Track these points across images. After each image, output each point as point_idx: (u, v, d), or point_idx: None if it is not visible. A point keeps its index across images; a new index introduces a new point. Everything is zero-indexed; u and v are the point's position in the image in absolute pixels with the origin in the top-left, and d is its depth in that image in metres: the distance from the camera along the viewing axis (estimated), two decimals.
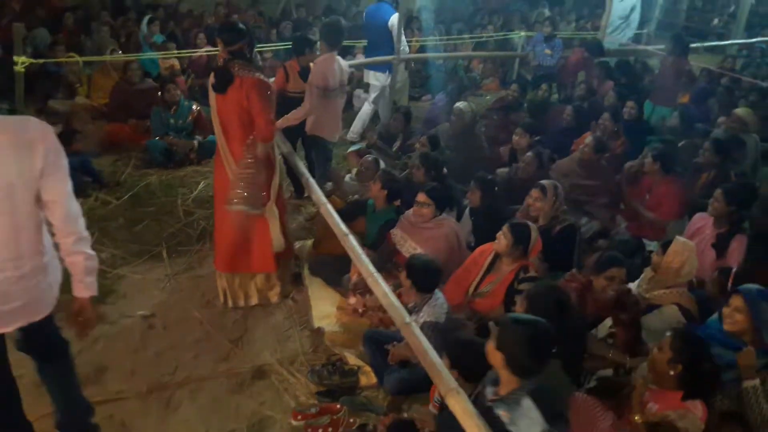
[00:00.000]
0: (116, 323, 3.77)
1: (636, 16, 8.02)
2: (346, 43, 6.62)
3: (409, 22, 10.42)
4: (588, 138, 5.25)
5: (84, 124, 6.16)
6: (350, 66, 5.70)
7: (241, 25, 3.67)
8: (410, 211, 4.15)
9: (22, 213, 2.17)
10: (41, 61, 6.28)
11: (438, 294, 3.32)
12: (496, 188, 4.55)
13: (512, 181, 5.03)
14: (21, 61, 5.31)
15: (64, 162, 2.21)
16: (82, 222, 2.33)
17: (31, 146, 2.10)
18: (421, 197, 4.04)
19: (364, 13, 7.18)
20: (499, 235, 3.59)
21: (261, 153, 3.64)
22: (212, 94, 3.66)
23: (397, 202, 4.36)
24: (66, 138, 5.42)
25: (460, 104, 5.82)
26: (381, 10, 6.83)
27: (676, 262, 3.40)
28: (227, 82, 3.54)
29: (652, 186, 4.87)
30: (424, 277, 3.28)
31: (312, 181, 4.20)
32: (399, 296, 3.10)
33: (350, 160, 5.86)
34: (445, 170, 4.82)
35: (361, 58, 8.03)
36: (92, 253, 2.37)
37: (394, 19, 6.67)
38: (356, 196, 4.95)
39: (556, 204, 4.13)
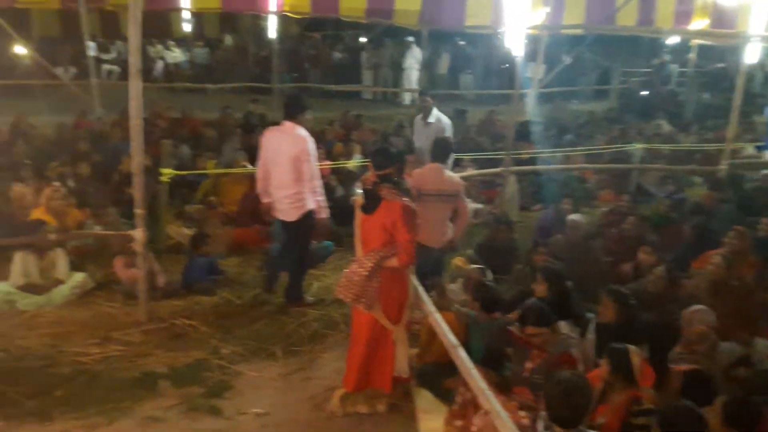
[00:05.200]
0: (232, 419, 3.89)
1: None
2: (456, 156, 6.83)
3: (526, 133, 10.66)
4: (715, 257, 4.94)
5: (214, 229, 6.71)
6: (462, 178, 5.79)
7: (392, 150, 3.89)
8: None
9: (290, 169, 4.86)
10: (183, 173, 7.03)
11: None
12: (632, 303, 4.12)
13: (640, 297, 4.74)
14: (166, 173, 6.04)
15: (309, 156, 4.90)
16: (311, 181, 4.98)
17: (296, 144, 4.85)
18: (531, 331, 3.77)
19: None
20: (602, 361, 3.36)
21: (385, 264, 3.73)
22: (358, 212, 3.89)
23: (496, 315, 4.21)
24: (198, 240, 5.96)
25: (574, 216, 5.75)
26: None
27: None
28: (375, 204, 3.75)
29: None
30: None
31: (421, 290, 4.19)
32: None
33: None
34: (570, 284, 4.52)
35: (471, 171, 8.23)
36: (317, 197, 5.05)
37: None
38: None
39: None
